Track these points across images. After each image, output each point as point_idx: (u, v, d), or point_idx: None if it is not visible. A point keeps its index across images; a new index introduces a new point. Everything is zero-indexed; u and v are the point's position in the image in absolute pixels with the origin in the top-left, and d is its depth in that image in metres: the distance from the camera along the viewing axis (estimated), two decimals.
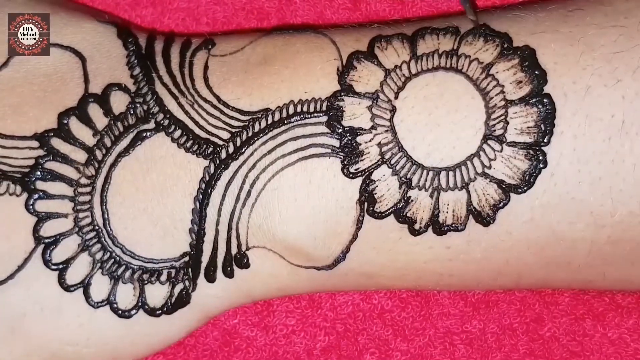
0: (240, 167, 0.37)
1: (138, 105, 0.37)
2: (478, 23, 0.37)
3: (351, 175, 0.36)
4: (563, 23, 0.37)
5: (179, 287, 0.38)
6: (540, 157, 0.36)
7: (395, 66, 0.37)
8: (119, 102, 0.38)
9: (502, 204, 0.36)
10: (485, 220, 0.36)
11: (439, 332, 0.44)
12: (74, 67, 0.38)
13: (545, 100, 0.36)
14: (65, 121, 0.37)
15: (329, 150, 0.36)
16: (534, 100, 0.36)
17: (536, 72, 0.36)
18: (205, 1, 0.45)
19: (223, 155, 0.37)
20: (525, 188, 0.36)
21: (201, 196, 0.37)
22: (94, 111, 0.37)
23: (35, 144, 0.37)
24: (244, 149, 0.37)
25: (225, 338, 0.44)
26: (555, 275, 0.39)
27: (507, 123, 0.36)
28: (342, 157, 0.36)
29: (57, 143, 0.37)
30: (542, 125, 0.36)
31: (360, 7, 0.44)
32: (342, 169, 0.36)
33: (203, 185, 0.37)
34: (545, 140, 0.36)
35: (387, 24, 0.39)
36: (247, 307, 0.44)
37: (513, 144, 0.36)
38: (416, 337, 0.44)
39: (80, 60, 0.38)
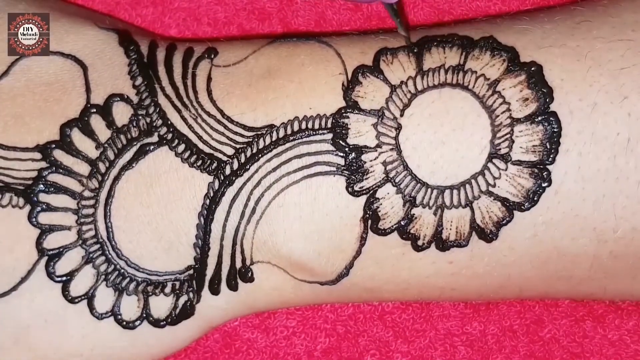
0: (244, 184, 0.37)
1: (141, 117, 0.38)
2: (410, 41, 0.37)
3: (356, 193, 0.37)
4: (570, 36, 0.37)
5: (183, 299, 0.38)
6: (545, 176, 0.36)
7: (401, 82, 0.37)
8: (121, 113, 0.38)
9: (505, 221, 0.37)
10: (488, 237, 0.37)
11: (440, 334, 0.44)
12: (75, 76, 0.38)
13: (551, 118, 0.36)
14: (68, 133, 0.37)
15: (334, 169, 0.37)
16: (540, 118, 0.36)
17: (543, 90, 0.36)
18: (206, 1, 0.45)
19: (227, 171, 0.37)
20: (529, 206, 0.36)
21: (205, 212, 0.37)
22: (96, 123, 0.38)
23: (37, 155, 0.37)
24: (248, 166, 0.37)
25: (226, 340, 0.44)
26: (557, 288, 0.39)
27: (513, 142, 0.36)
28: (347, 175, 0.37)
29: (59, 155, 0.37)
30: (547, 144, 0.36)
31: (362, 8, 0.45)
32: (347, 187, 0.37)
33: (207, 201, 0.37)
34: (550, 159, 0.36)
35: (392, 32, 0.39)
36: None
37: (518, 163, 0.36)
38: (417, 339, 0.44)
39: (81, 68, 0.38)
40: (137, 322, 0.38)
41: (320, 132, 0.37)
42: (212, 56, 0.39)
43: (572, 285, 0.39)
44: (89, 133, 0.38)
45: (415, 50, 0.37)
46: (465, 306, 0.44)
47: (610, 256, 0.37)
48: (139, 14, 0.45)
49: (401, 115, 0.37)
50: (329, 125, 0.37)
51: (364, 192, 0.37)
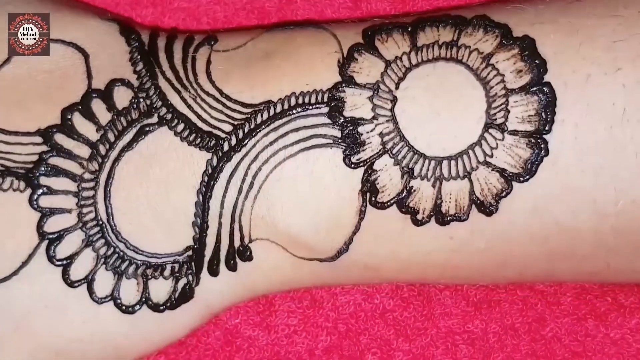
0: (242, 159, 0.38)
1: (141, 100, 0.38)
2: None
3: (353, 165, 0.37)
4: (563, 14, 0.38)
5: (182, 282, 0.39)
6: (542, 145, 0.37)
7: (396, 57, 0.38)
8: (122, 97, 0.38)
9: (504, 193, 0.37)
10: (488, 209, 0.37)
11: (441, 332, 0.45)
12: (77, 63, 0.39)
13: (545, 88, 0.37)
14: (69, 117, 0.38)
15: (331, 141, 0.37)
16: (534, 88, 0.37)
17: (536, 62, 0.37)
18: (206, 1, 0.46)
19: (225, 147, 0.38)
20: (527, 177, 0.37)
21: (204, 189, 0.38)
22: (98, 107, 0.38)
23: (39, 139, 0.38)
24: (246, 141, 0.38)
25: (227, 338, 0.44)
26: (559, 266, 0.40)
27: (508, 112, 0.37)
28: (343, 147, 0.37)
29: (60, 139, 0.38)
30: (543, 114, 0.37)
31: (361, 6, 0.46)
32: (344, 159, 0.37)
33: (206, 178, 0.38)
34: (546, 129, 0.36)
35: (388, 19, 0.40)
36: (249, 307, 0.44)
37: (514, 133, 0.37)
38: (418, 337, 0.45)
39: (83, 56, 0.39)
40: (137, 307, 0.38)
41: (317, 106, 0.38)
42: (212, 43, 0.40)
43: (574, 263, 0.39)
44: (90, 116, 0.38)
45: (409, 30, 0.38)
46: (466, 304, 0.45)
47: (612, 231, 0.37)
48: (138, 14, 0.46)
49: (396, 89, 0.37)
50: (325, 99, 0.37)
51: (362, 163, 0.37)
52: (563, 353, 0.44)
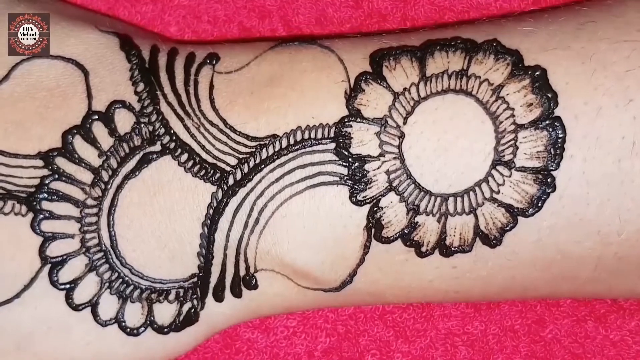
0: (248, 194, 0.38)
1: (143, 125, 0.38)
2: None
3: (359, 203, 0.37)
4: (575, 38, 0.38)
5: (187, 306, 0.39)
6: (549, 182, 0.37)
7: (404, 89, 0.38)
8: (123, 120, 0.39)
9: (509, 227, 0.37)
10: (492, 242, 0.38)
11: (440, 334, 0.45)
12: (76, 81, 0.39)
13: (556, 123, 0.37)
14: (70, 140, 0.38)
15: (337, 178, 0.38)
16: (544, 124, 0.37)
17: (547, 95, 0.37)
18: None
19: (230, 181, 0.38)
20: (532, 212, 0.37)
21: (209, 222, 0.38)
22: (98, 130, 0.38)
23: (39, 163, 0.38)
24: (251, 176, 0.38)
25: (226, 340, 0.45)
26: (561, 288, 0.40)
27: (517, 148, 0.37)
28: (350, 185, 0.37)
29: (62, 163, 0.38)
30: (551, 150, 0.37)
31: (363, 5, 0.45)
32: (350, 197, 0.37)
33: (211, 211, 0.38)
34: (554, 165, 0.37)
35: (394, 34, 0.40)
36: None
37: (522, 169, 0.37)
38: (417, 339, 0.46)
39: (82, 73, 0.39)
40: (141, 329, 0.39)
41: (323, 141, 0.38)
42: (214, 62, 0.40)
43: (577, 286, 0.40)
44: (91, 141, 0.38)
45: (418, 55, 0.38)
46: (466, 306, 0.45)
47: (615, 257, 0.38)
48: (138, 11, 0.46)
49: (404, 124, 0.37)
50: (332, 134, 0.38)
51: (368, 201, 0.38)
52: (562, 355, 0.45)
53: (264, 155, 0.38)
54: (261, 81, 0.39)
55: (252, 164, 0.38)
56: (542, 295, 0.42)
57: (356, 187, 0.38)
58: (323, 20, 0.46)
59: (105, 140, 0.38)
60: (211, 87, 0.39)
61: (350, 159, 0.38)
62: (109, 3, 0.45)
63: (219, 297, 0.39)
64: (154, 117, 0.39)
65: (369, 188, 0.38)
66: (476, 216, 0.38)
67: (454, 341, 0.45)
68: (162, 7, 0.46)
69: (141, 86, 0.39)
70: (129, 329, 0.39)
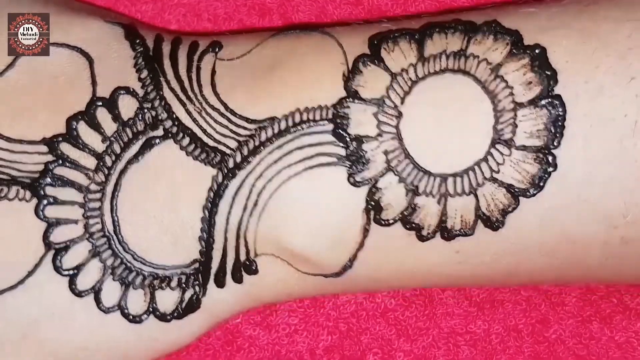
0: (247, 176, 0.39)
1: (146, 110, 0.39)
2: None
3: (357, 184, 0.38)
4: (576, 18, 0.38)
5: (189, 293, 0.40)
6: (550, 161, 0.37)
7: (402, 69, 0.38)
8: (127, 106, 0.39)
9: (511, 208, 0.37)
10: (494, 225, 0.38)
11: (443, 332, 0.46)
12: (81, 69, 0.40)
13: (555, 102, 0.37)
14: (74, 126, 0.39)
15: (335, 159, 0.38)
16: (544, 102, 0.37)
17: (547, 73, 0.37)
18: None
19: (230, 164, 0.39)
20: (534, 192, 0.37)
21: (210, 205, 0.39)
22: (103, 116, 0.39)
23: (44, 148, 0.39)
24: (250, 158, 0.39)
25: (228, 337, 0.46)
26: (568, 274, 0.40)
27: (516, 126, 0.37)
28: (348, 165, 0.38)
29: (66, 148, 0.39)
30: (552, 128, 0.37)
31: (363, 1, 0.46)
32: (348, 178, 0.38)
33: (212, 195, 0.39)
34: (555, 144, 0.37)
35: (395, 20, 0.41)
36: None
37: (522, 148, 0.37)
38: (419, 337, 0.46)
39: (87, 61, 0.40)
40: (144, 316, 0.39)
41: (321, 122, 0.38)
42: (217, 50, 0.40)
43: (583, 272, 0.40)
44: (96, 126, 0.39)
45: (416, 37, 0.38)
46: (469, 304, 0.46)
47: (622, 242, 0.38)
48: (138, 10, 0.47)
49: (402, 103, 0.38)
50: (330, 115, 0.38)
51: (366, 182, 0.38)
52: (566, 356, 0.45)
53: (263, 138, 0.38)
54: (262, 67, 0.39)
55: (251, 146, 0.39)
56: (548, 281, 0.42)
57: (354, 167, 0.38)
58: (323, 17, 0.46)
59: (109, 126, 0.39)
60: (213, 73, 0.40)
61: (348, 140, 0.38)
62: (109, 2, 0.46)
63: (220, 282, 0.40)
64: (156, 103, 0.39)
65: (367, 169, 0.38)
66: (477, 197, 0.38)
67: (457, 340, 0.46)
68: (162, 6, 0.47)
69: (145, 73, 0.40)
70: (131, 316, 0.39)
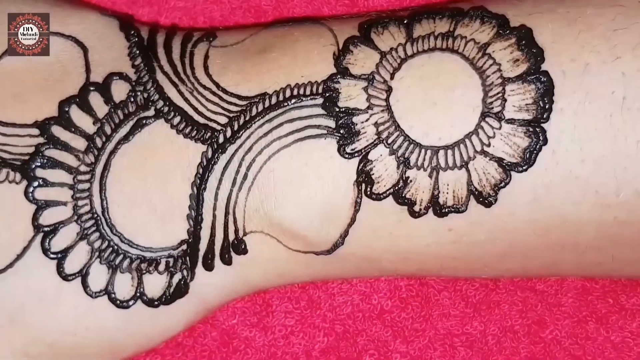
0: (237, 150, 0.38)
1: (138, 93, 0.39)
2: None
3: (347, 155, 0.38)
4: (561, 4, 0.39)
5: (177, 277, 0.39)
6: (540, 134, 0.37)
7: (391, 48, 0.39)
8: (119, 90, 0.39)
9: (503, 183, 0.37)
10: (486, 200, 0.38)
11: (439, 334, 0.45)
12: (75, 57, 0.40)
13: (542, 77, 0.37)
14: (66, 109, 0.39)
15: (325, 131, 0.38)
16: (531, 77, 0.37)
17: (533, 50, 0.37)
18: (202, 0, 0.47)
19: (221, 139, 0.39)
20: (526, 166, 0.37)
21: (198, 181, 0.38)
22: (95, 99, 0.39)
23: (35, 131, 0.39)
24: (241, 133, 0.39)
25: (224, 338, 0.45)
26: (563, 258, 0.40)
27: (505, 100, 0.37)
28: (338, 137, 0.38)
29: (57, 131, 0.39)
30: (540, 102, 0.37)
31: (358, 3, 0.47)
32: (339, 149, 0.38)
33: (201, 170, 0.38)
34: (544, 117, 0.37)
35: (385, 12, 0.41)
36: (245, 307, 0.45)
37: (512, 121, 0.37)
38: (416, 339, 0.45)
39: (82, 50, 0.40)
40: (131, 302, 0.39)
41: (312, 97, 0.38)
42: (211, 39, 0.41)
43: (578, 254, 0.39)
44: (87, 109, 0.39)
45: (405, 22, 0.39)
46: (465, 305, 0.45)
47: (615, 222, 0.38)
48: (134, 13, 0.47)
49: (391, 79, 0.38)
50: (320, 90, 0.38)
51: (356, 154, 0.38)
52: (563, 356, 0.45)
53: (253, 112, 0.39)
54: (254, 50, 0.40)
55: (242, 121, 0.39)
56: (543, 267, 0.41)
57: (344, 139, 0.38)
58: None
59: (101, 109, 0.39)
60: (206, 57, 0.40)
61: (338, 112, 0.38)
62: (106, 5, 0.46)
63: (208, 265, 0.39)
64: (149, 85, 0.39)
65: (358, 140, 0.38)
66: (468, 171, 0.38)
67: (453, 342, 0.45)
68: (158, 10, 0.47)
69: (139, 60, 0.40)
70: (118, 301, 0.39)
